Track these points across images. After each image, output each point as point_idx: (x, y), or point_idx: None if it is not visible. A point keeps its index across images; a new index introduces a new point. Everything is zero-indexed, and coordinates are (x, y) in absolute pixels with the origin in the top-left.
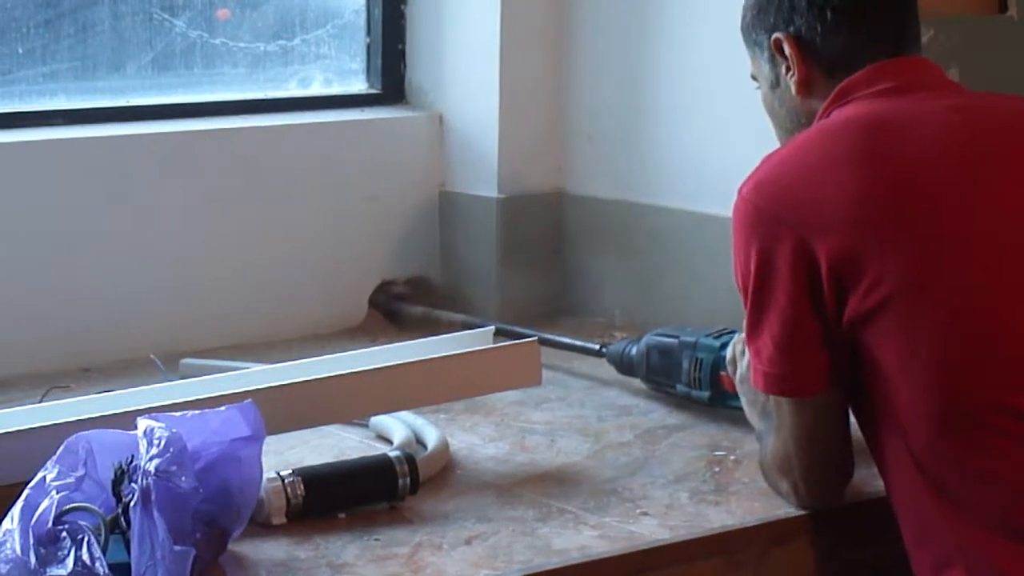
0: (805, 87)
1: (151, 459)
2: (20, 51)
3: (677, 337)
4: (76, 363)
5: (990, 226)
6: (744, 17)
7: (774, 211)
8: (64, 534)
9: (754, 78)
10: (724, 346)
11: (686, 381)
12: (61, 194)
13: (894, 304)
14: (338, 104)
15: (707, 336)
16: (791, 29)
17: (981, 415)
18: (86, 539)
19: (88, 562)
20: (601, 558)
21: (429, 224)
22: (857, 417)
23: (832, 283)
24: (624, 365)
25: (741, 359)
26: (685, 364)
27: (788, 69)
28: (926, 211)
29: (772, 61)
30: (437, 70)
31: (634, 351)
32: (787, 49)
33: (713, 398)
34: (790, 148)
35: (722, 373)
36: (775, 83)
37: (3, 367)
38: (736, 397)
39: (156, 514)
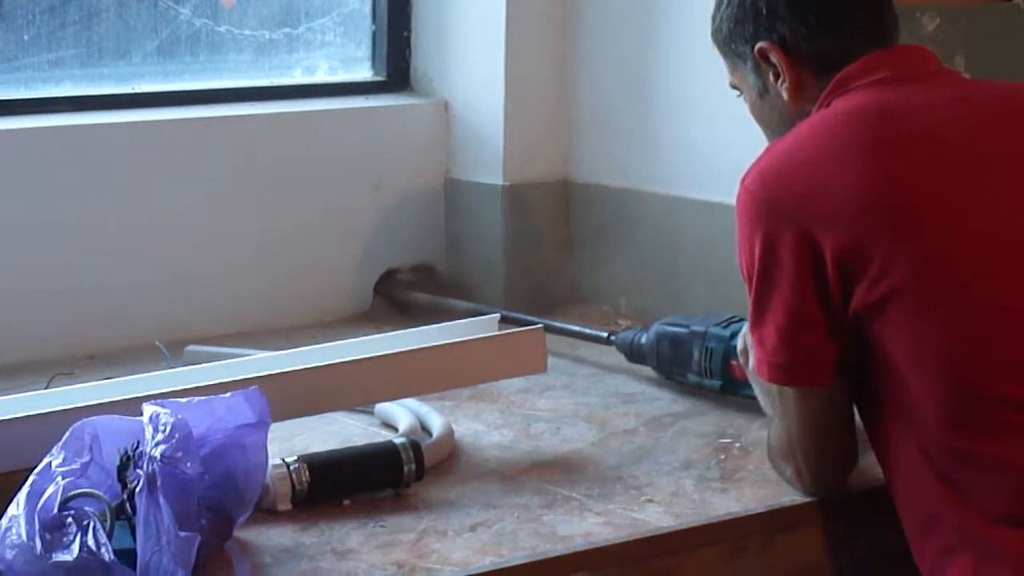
0: (797, 91)
1: (156, 445)
2: (25, 38)
3: (686, 327)
4: (81, 350)
5: (996, 215)
6: (719, 29)
7: (777, 201)
8: (70, 520)
9: (735, 87)
10: (734, 335)
11: (697, 371)
12: (66, 181)
13: (901, 295)
14: (343, 92)
15: (716, 325)
16: (774, 37)
17: (988, 406)
18: (92, 525)
19: (94, 548)
20: (606, 545)
21: (434, 212)
22: (860, 406)
23: (837, 274)
24: (634, 354)
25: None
26: (696, 354)
27: (777, 76)
28: (931, 202)
29: (757, 70)
30: (442, 57)
31: (644, 340)
32: (774, 57)
33: (725, 387)
34: (793, 138)
35: (733, 362)
36: (763, 91)
37: (8, 354)
38: (748, 385)
39: (161, 500)
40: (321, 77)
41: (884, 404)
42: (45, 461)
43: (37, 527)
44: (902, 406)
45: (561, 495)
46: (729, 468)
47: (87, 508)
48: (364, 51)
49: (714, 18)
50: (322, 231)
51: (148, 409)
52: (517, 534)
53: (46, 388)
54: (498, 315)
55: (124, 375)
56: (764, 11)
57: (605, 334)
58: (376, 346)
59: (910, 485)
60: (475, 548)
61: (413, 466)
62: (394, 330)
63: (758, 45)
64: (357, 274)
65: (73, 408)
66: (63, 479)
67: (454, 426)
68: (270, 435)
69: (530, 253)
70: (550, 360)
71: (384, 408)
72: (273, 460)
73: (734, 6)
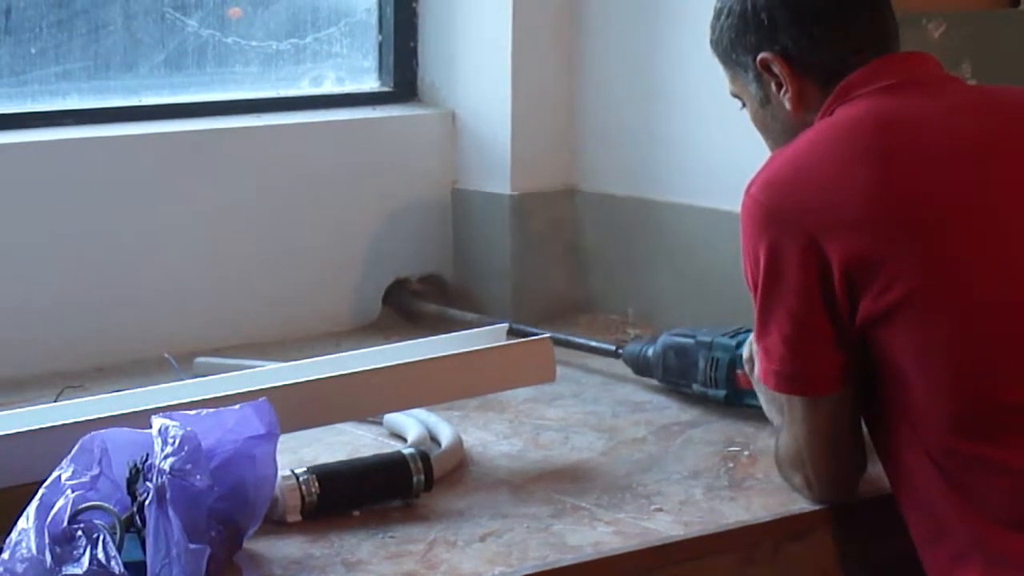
0: (800, 101)
1: (166, 458)
2: (33, 51)
3: (693, 337)
4: (90, 362)
5: (1001, 222)
6: (720, 40)
7: (783, 211)
8: (79, 533)
9: (736, 96)
10: (740, 345)
11: (702, 380)
12: (74, 194)
13: (907, 304)
14: (350, 102)
15: (723, 335)
16: (776, 47)
17: (995, 412)
18: (101, 538)
19: (103, 561)
20: (615, 554)
21: (442, 222)
22: (865, 414)
23: (844, 283)
24: (641, 366)
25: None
26: (701, 363)
27: (779, 86)
28: (937, 210)
29: (759, 80)
30: (449, 68)
31: (650, 352)
32: (776, 68)
33: (730, 397)
34: (798, 146)
35: (739, 372)
36: (765, 101)
37: (18, 366)
38: (753, 395)
39: (171, 512)
40: (328, 88)
41: (890, 411)
42: (55, 474)
43: (47, 540)
44: (908, 413)
45: (570, 504)
46: (738, 476)
47: (97, 521)
48: (371, 62)
49: (714, 28)
50: (330, 242)
51: (157, 422)
52: (527, 544)
53: (55, 401)
54: (506, 325)
55: (133, 387)
56: (766, 22)
57: (613, 347)
58: (385, 357)
59: (917, 492)
60: (485, 558)
61: (422, 476)
62: (402, 340)
63: (760, 55)
64: (365, 284)
65: (82, 421)
66: (73, 492)
67: (463, 436)
68: (279, 446)
69: (538, 262)
70: (558, 369)
71: (393, 419)
72: (282, 471)
73: (735, 16)
